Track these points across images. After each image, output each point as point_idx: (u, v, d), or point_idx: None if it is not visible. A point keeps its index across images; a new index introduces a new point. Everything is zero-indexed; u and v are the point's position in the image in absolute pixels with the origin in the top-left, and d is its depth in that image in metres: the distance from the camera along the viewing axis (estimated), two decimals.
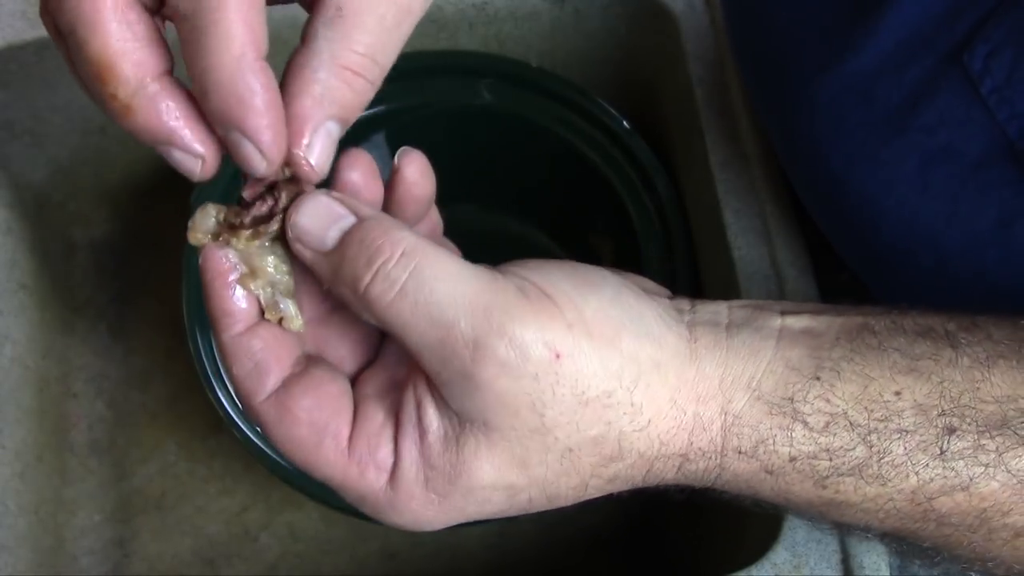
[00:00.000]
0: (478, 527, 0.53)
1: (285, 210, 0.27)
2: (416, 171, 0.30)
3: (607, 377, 0.25)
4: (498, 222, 0.59)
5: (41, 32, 0.46)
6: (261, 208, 0.27)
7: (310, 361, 0.28)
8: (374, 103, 0.55)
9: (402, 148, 0.30)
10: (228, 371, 0.28)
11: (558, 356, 0.24)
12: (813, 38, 0.37)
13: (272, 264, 0.27)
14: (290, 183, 0.27)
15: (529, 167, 0.55)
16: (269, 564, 0.52)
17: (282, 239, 0.27)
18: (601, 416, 0.25)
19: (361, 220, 0.26)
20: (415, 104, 0.53)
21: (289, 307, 0.27)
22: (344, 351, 0.29)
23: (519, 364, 0.24)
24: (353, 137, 0.58)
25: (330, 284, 0.26)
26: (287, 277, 0.27)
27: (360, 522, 0.52)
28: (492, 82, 0.53)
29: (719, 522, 0.48)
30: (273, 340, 0.27)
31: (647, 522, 0.53)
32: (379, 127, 0.53)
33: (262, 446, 0.44)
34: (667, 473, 0.27)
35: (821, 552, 0.39)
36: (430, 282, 0.24)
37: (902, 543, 0.28)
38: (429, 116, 0.53)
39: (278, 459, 0.43)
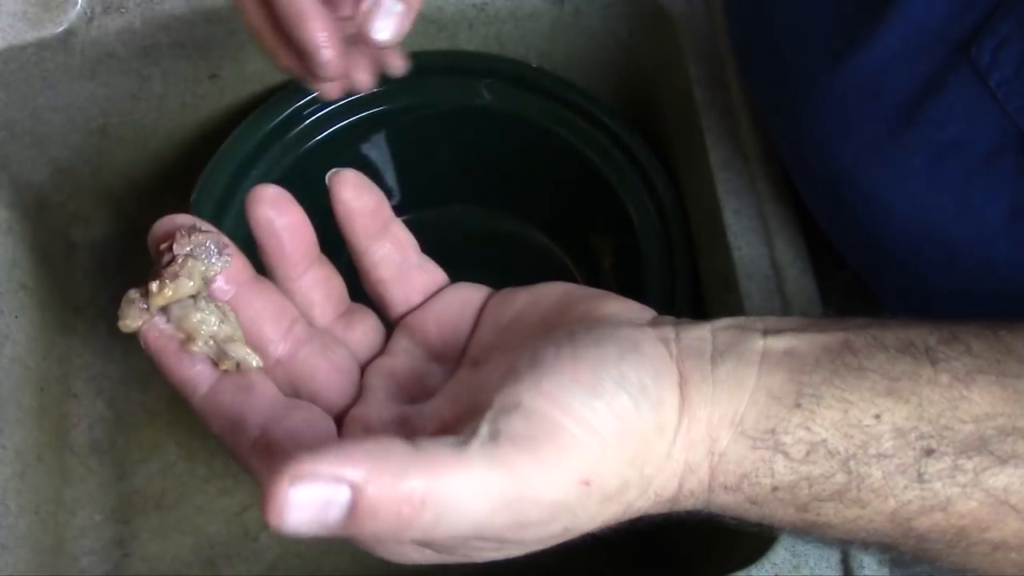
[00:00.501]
0: None
1: (189, 257, 0.26)
2: (350, 191, 0.29)
3: (624, 469, 0.24)
4: (498, 222, 0.59)
5: (41, 32, 0.46)
6: (164, 260, 0.27)
7: (290, 404, 0.27)
8: (374, 103, 0.56)
9: (332, 171, 0.29)
10: (209, 430, 0.27)
11: (587, 483, 0.24)
12: (819, 35, 0.36)
13: (201, 319, 0.26)
14: (193, 231, 0.27)
15: (529, 167, 0.55)
16: (269, 564, 0.52)
17: (205, 291, 0.27)
18: (619, 499, 0.25)
19: (356, 488, 0.21)
20: (415, 104, 0.53)
21: (238, 351, 0.27)
22: (321, 384, 0.28)
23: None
24: (353, 137, 0.59)
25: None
26: (224, 325, 0.27)
27: None
28: (492, 82, 0.53)
29: (719, 522, 0.48)
30: (240, 391, 0.27)
31: (647, 522, 0.53)
32: (379, 127, 0.53)
33: None
34: (654, 513, 0.27)
35: (821, 552, 0.39)
36: (456, 511, 0.22)
37: (886, 553, 0.28)
38: (429, 116, 0.53)
39: None
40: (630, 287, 0.50)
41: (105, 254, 0.59)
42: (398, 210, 0.58)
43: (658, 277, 0.48)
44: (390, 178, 0.57)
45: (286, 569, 0.52)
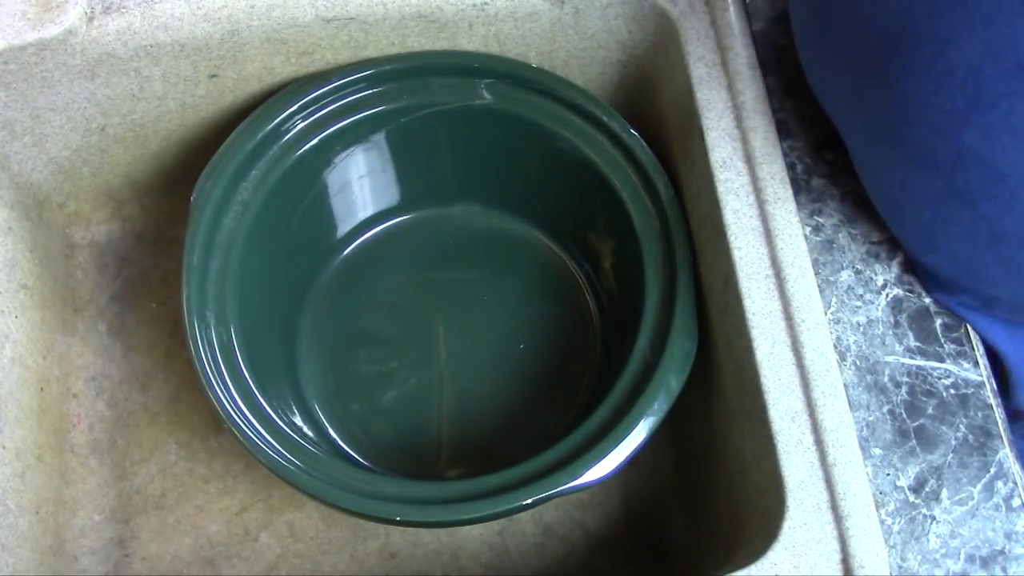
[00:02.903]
0: (478, 527, 0.53)
1: None
2: None
3: None
4: (498, 222, 0.59)
5: (41, 32, 0.46)
6: None
7: None
8: (374, 103, 0.56)
9: None
10: None
11: None
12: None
13: None
14: None
15: (529, 167, 0.55)
16: (269, 564, 0.52)
17: None
18: None
19: None
20: (415, 104, 0.53)
21: None
22: None
23: None
24: (353, 137, 0.59)
25: None
26: None
27: (360, 522, 0.52)
28: (492, 82, 0.53)
29: (719, 522, 0.48)
30: None
31: (647, 522, 0.53)
32: (379, 127, 0.53)
33: (262, 446, 0.44)
34: None
35: (821, 552, 0.39)
36: None
37: None
38: (429, 116, 0.53)
39: (278, 458, 0.43)
40: (630, 287, 0.50)
41: (105, 254, 0.59)
42: (398, 210, 0.59)
43: (658, 277, 0.48)
44: (390, 178, 0.57)
45: (286, 569, 0.52)
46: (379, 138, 0.54)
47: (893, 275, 0.45)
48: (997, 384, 0.44)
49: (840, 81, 0.42)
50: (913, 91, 0.36)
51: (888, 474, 0.41)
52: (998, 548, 0.40)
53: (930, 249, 0.41)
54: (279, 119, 0.51)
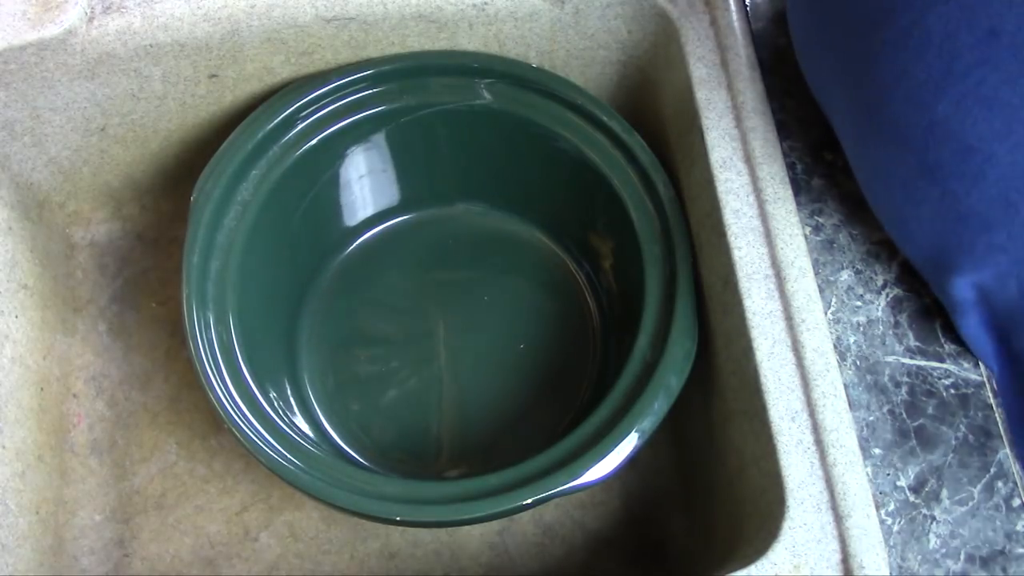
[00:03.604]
0: (478, 527, 0.53)
1: None
2: None
3: None
4: (498, 222, 0.59)
5: (41, 32, 0.46)
6: None
7: None
8: (374, 103, 0.56)
9: None
10: None
11: None
12: None
13: None
14: None
15: (529, 167, 0.55)
16: (269, 564, 0.52)
17: None
18: None
19: None
20: (415, 104, 0.53)
21: None
22: None
23: None
24: (353, 137, 0.59)
25: None
26: None
27: (360, 522, 0.52)
28: (492, 82, 0.53)
29: (719, 522, 0.48)
30: None
31: (647, 522, 0.53)
32: (379, 127, 0.53)
33: (262, 446, 0.44)
34: None
35: (821, 552, 0.39)
36: None
37: None
38: (429, 116, 0.53)
39: (278, 458, 0.43)
40: (630, 287, 0.50)
41: (105, 254, 0.59)
42: (398, 210, 0.59)
43: (658, 277, 0.48)
44: (390, 178, 0.57)
45: (286, 569, 0.52)
46: (379, 138, 0.54)
47: (893, 275, 0.45)
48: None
49: (828, 67, 0.42)
50: (890, 63, 0.36)
51: (888, 474, 0.41)
52: (998, 548, 0.40)
53: (903, 238, 0.41)
54: (279, 119, 0.51)
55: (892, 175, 0.39)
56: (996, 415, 0.43)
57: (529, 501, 0.42)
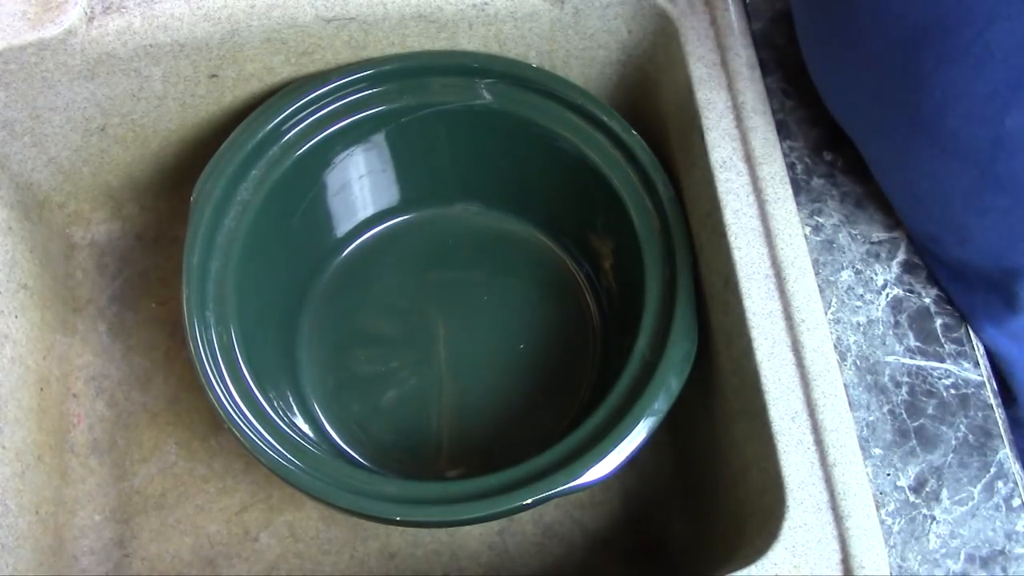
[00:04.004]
0: (478, 527, 0.53)
1: None
2: None
3: None
4: (498, 222, 0.59)
5: (41, 32, 0.46)
6: None
7: None
8: (374, 103, 0.56)
9: None
10: None
11: None
12: None
13: None
14: None
15: (529, 167, 0.55)
16: (269, 564, 0.52)
17: None
18: None
19: None
20: (415, 104, 0.53)
21: None
22: None
23: None
24: (353, 137, 0.59)
25: None
26: None
27: (360, 522, 0.52)
28: (492, 82, 0.53)
29: (719, 522, 0.48)
30: None
31: (647, 522, 0.53)
32: (379, 127, 0.53)
33: (262, 446, 0.44)
34: None
35: (821, 552, 0.39)
36: None
37: None
38: (429, 116, 0.53)
39: (278, 458, 0.43)
40: (630, 287, 0.50)
41: (105, 254, 0.59)
42: (398, 210, 0.59)
43: (658, 277, 0.48)
44: (390, 178, 0.57)
45: (286, 569, 0.52)
46: (379, 138, 0.54)
47: (893, 275, 0.45)
48: (998, 388, 0.44)
49: (856, 80, 0.41)
50: (949, 79, 0.36)
51: (888, 474, 0.41)
52: (998, 548, 0.40)
53: (960, 241, 0.41)
54: (279, 119, 0.51)
55: (953, 187, 0.39)
56: (996, 415, 0.43)
57: (529, 501, 0.42)
